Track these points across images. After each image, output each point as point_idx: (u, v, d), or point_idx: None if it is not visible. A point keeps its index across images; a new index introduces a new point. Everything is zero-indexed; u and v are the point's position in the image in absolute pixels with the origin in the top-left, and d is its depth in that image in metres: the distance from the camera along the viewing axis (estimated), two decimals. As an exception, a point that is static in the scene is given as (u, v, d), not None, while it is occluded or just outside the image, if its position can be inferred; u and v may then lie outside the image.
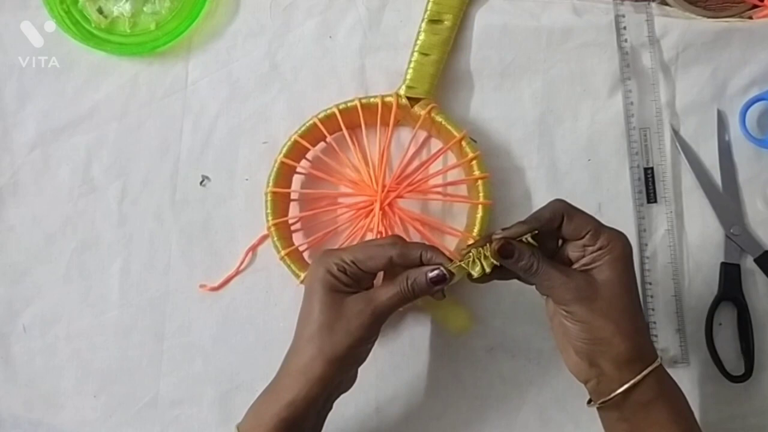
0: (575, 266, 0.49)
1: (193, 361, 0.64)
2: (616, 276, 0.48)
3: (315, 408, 0.49)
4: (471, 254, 0.49)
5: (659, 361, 0.49)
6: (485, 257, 0.48)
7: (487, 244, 0.49)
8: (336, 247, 0.61)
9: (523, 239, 0.48)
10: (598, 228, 0.48)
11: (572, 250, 0.50)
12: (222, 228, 0.65)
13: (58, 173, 0.66)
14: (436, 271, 0.49)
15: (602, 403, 0.49)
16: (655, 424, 0.48)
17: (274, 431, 0.48)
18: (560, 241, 0.51)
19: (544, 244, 0.50)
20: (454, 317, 0.61)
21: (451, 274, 0.49)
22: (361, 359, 0.51)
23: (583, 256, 0.49)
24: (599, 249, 0.48)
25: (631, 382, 0.47)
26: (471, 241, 0.59)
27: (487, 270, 0.48)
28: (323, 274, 0.49)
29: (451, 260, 0.49)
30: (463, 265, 0.49)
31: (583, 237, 0.48)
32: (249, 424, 0.50)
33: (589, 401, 0.51)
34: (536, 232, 0.49)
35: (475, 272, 0.49)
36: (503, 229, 0.49)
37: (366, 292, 0.50)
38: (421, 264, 0.50)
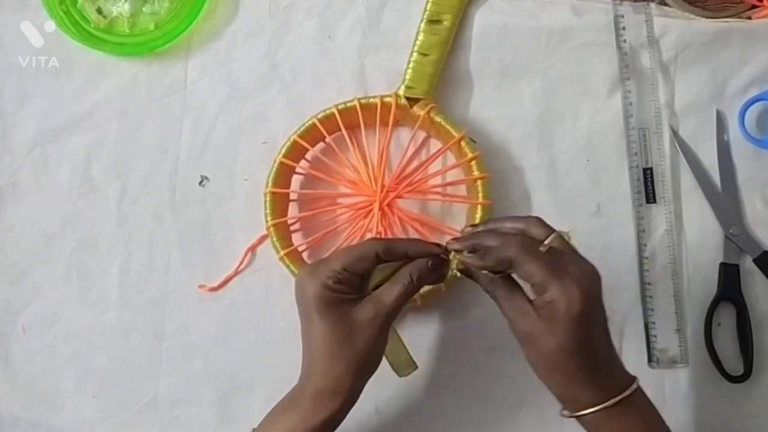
0: (535, 303, 0.47)
1: (193, 361, 0.64)
2: (560, 335, 0.46)
3: (337, 419, 0.50)
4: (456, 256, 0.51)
5: (609, 402, 0.47)
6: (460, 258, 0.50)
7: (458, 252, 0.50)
8: (335, 247, 0.61)
9: None
10: (543, 282, 0.46)
11: (529, 290, 0.48)
12: (221, 228, 0.65)
13: (57, 173, 0.66)
14: (438, 264, 0.50)
15: (562, 415, 0.50)
16: None
17: None
18: None
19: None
20: (397, 357, 0.58)
21: (447, 254, 0.51)
22: (379, 363, 0.51)
23: (536, 299, 0.47)
24: (546, 302, 0.46)
25: (571, 416, 0.48)
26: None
27: (453, 275, 0.51)
28: (319, 290, 0.48)
29: (437, 245, 0.51)
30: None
31: (532, 285, 0.47)
32: None
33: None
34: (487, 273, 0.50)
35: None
36: (470, 252, 0.49)
37: (370, 298, 0.49)
38: (407, 257, 0.50)
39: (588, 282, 0.46)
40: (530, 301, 0.48)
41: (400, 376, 0.56)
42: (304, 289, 0.49)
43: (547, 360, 0.47)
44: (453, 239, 0.50)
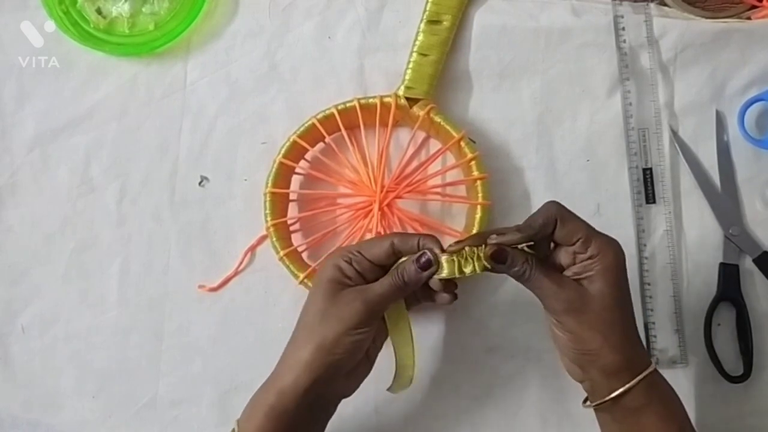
0: (567, 273, 0.49)
1: (192, 362, 0.64)
2: (606, 288, 0.47)
3: (305, 399, 0.49)
4: (464, 251, 0.49)
5: (651, 368, 0.49)
6: (478, 258, 0.49)
7: (482, 245, 0.49)
8: (335, 247, 0.61)
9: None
10: (589, 236, 0.48)
11: (564, 256, 0.49)
12: (221, 228, 0.65)
13: (57, 173, 0.66)
14: (424, 258, 0.49)
15: (595, 406, 0.50)
16: (646, 428, 0.49)
17: (264, 419, 0.49)
18: (553, 245, 0.51)
19: (537, 248, 0.50)
20: (404, 371, 0.56)
21: (437, 258, 0.49)
22: (353, 356, 0.50)
23: (574, 263, 0.49)
24: (590, 258, 0.48)
25: (619, 391, 0.48)
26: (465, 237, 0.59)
27: (479, 271, 0.49)
28: (331, 269, 0.50)
29: (444, 251, 0.50)
30: (454, 259, 0.49)
31: (574, 244, 0.48)
32: (245, 413, 0.50)
33: (585, 400, 0.52)
34: (531, 242, 0.49)
35: (467, 270, 0.49)
36: (498, 234, 0.49)
37: (363, 286, 0.50)
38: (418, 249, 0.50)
39: (610, 236, 0.49)
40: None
41: (391, 389, 0.56)
42: (321, 269, 0.51)
43: (603, 317, 0.47)
44: (497, 234, 0.49)
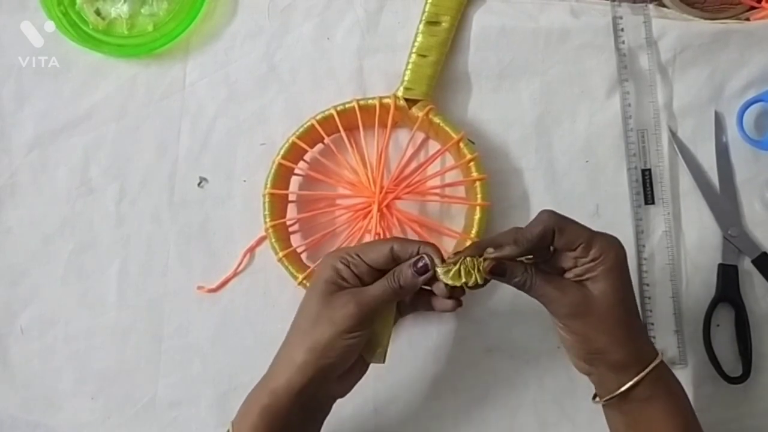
0: (568, 275, 0.49)
1: (192, 363, 0.64)
2: (609, 287, 0.48)
3: (298, 399, 0.49)
4: (466, 261, 0.48)
5: (659, 359, 0.49)
6: (478, 270, 0.48)
7: (481, 259, 0.48)
8: (334, 248, 0.61)
9: None
10: (589, 239, 0.48)
11: (565, 260, 0.49)
12: (220, 229, 0.65)
13: (56, 174, 0.66)
14: (421, 262, 0.49)
15: (605, 401, 0.50)
16: (652, 419, 0.49)
17: (257, 418, 0.49)
18: (552, 248, 0.51)
19: (536, 254, 0.50)
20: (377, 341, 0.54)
21: (433, 263, 0.49)
22: (345, 359, 0.50)
23: (576, 266, 0.49)
24: (592, 260, 0.48)
25: (628, 384, 0.48)
26: (468, 243, 0.59)
27: (480, 282, 0.48)
28: (328, 270, 0.50)
29: (444, 260, 0.49)
30: (454, 269, 0.48)
31: (575, 249, 0.48)
32: (239, 413, 0.51)
33: (594, 396, 0.52)
34: (530, 256, 0.49)
35: (470, 281, 0.48)
36: (495, 247, 0.48)
37: (358, 289, 0.50)
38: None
39: (609, 234, 0.49)
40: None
41: (366, 359, 0.54)
42: (319, 267, 0.51)
43: (605, 319, 0.48)
44: (494, 248, 0.49)
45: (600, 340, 0.48)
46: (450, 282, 0.49)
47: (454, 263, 0.49)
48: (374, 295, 0.49)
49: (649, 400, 0.49)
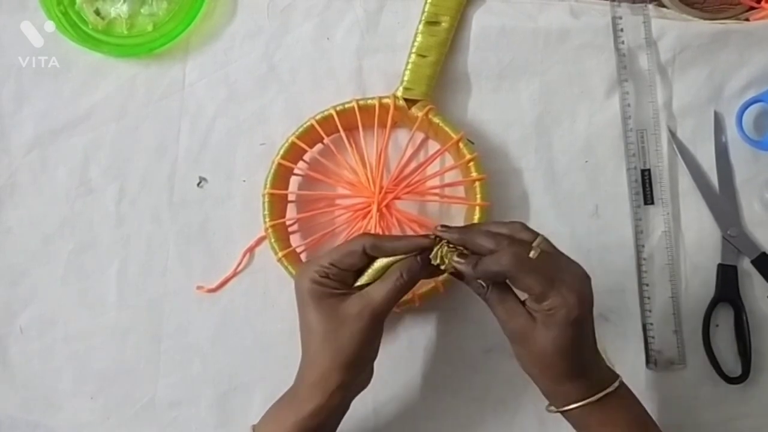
0: (527, 302, 0.48)
1: (191, 363, 0.64)
2: (551, 338, 0.47)
3: (336, 414, 0.51)
4: (443, 248, 0.49)
5: (595, 397, 0.48)
6: (450, 261, 0.49)
7: (453, 248, 0.49)
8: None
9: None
10: (544, 294, 0.46)
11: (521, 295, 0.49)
12: (219, 229, 0.65)
13: (55, 174, 0.66)
14: (424, 252, 0.50)
15: (550, 411, 0.51)
16: (605, 423, 0.49)
17: None
18: None
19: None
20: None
21: (438, 239, 0.50)
22: (373, 357, 0.52)
23: (531, 304, 0.48)
24: (546, 309, 0.47)
25: (564, 408, 0.49)
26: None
27: (445, 271, 0.50)
28: (309, 284, 0.50)
29: (425, 236, 0.50)
30: (435, 249, 0.50)
31: (530, 295, 0.48)
32: (268, 429, 0.50)
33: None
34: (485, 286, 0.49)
35: (442, 265, 0.50)
36: (460, 257, 0.48)
37: (360, 294, 0.50)
38: (395, 253, 0.50)
39: (582, 287, 0.48)
40: (522, 302, 0.49)
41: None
42: (298, 283, 0.51)
43: (540, 359, 0.48)
44: (442, 226, 0.50)
45: (532, 370, 0.50)
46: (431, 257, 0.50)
47: (437, 244, 0.50)
48: (384, 300, 0.49)
49: (593, 417, 0.49)
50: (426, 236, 0.51)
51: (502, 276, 0.48)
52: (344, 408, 0.52)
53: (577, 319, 0.46)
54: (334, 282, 0.50)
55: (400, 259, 0.50)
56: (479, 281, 0.49)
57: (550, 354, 0.47)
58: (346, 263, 0.50)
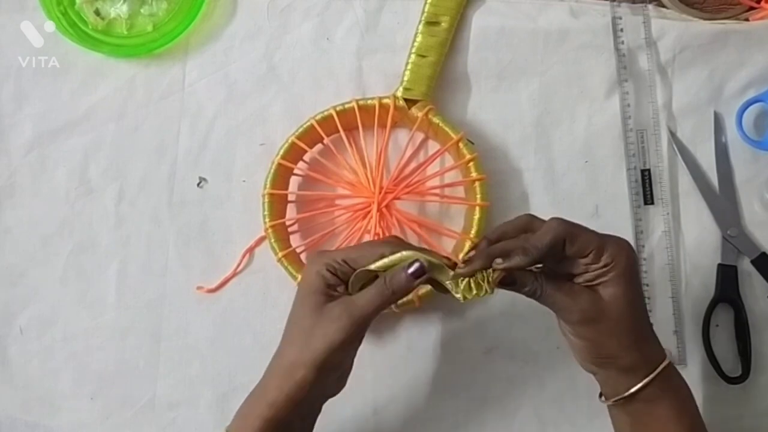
0: (578, 280, 0.49)
1: (191, 363, 0.64)
2: (621, 292, 0.47)
3: (299, 410, 0.49)
4: (476, 276, 0.47)
5: (666, 361, 0.49)
6: (488, 282, 0.47)
7: (489, 270, 0.47)
8: (333, 249, 0.61)
9: None
10: (600, 246, 0.47)
11: (574, 265, 0.48)
12: (219, 230, 0.65)
13: (54, 175, 0.66)
14: (415, 265, 0.47)
15: (612, 402, 0.50)
16: (659, 419, 0.49)
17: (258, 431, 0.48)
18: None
19: (545, 260, 0.49)
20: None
21: (431, 264, 0.47)
22: (343, 365, 0.50)
23: (587, 272, 0.48)
24: (603, 266, 0.47)
25: (636, 387, 0.48)
26: (467, 243, 0.59)
27: (490, 293, 0.47)
28: (314, 275, 0.49)
29: (451, 265, 0.48)
30: (464, 283, 0.47)
31: (585, 255, 0.47)
32: (236, 424, 0.50)
33: (600, 395, 0.52)
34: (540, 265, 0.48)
35: (481, 294, 0.47)
36: (503, 258, 0.47)
37: (346, 298, 0.48)
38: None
39: (616, 236, 0.48)
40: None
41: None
42: (305, 271, 0.50)
43: (617, 325, 0.47)
44: (463, 261, 0.47)
45: (611, 346, 0.48)
46: (461, 296, 0.47)
47: (463, 277, 0.47)
48: (366, 307, 0.48)
49: (656, 401, 0.49)
50: (448, 258, 0.49)
51: (559, 242, 0.47)
52: (310, 408, 0.50)
53: (635, 264, 0.48)
54: (338, 280, 0.49)
55: (409, 255, 0.48)
56: (533, 280, 0.47)
57: (626, 312, 0.47)
58: (360, 264, 0.48)
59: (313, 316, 0.48)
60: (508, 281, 0.48)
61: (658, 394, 0.49)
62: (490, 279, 0.47)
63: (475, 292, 0.47)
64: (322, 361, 0.47)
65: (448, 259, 0.49)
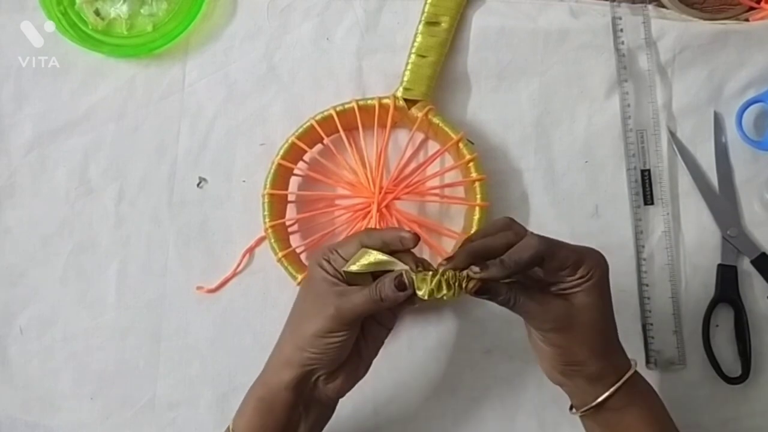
0: (552, 289, 0.49)
1: (191, 363, 0.64)
2: (593, 301, 0.48)
3: (290, 395, 0.49)
4: (447, 274, 0.46)
5: (632, 370, 0.50)
6: (459, 286, 0.46)
7: (463, 274, 0.46)
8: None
9: None
10: (579, 260, 0.47)
11: (549, 276, 0.49)
12: (219, 230, 0.65)
13: (55, 175, 0.66)
14: (399, 279, 0.47)
15: (582, 413, 0.51)
16: (629, 427, 0.50)
17: (252, 412, 0.50)
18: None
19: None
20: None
21: (411, 281, 0.47)
22: (330, 354, 0.48)
23: (562, 282, 0.48)
24: (579, 278, 0.48)
25: (604, 395, 0.49)
26: (460, 241, 0.59)
27: (455, 297, 0.46)
28: (314, 269, 0.50)
29: (425, 268, 0.47)
30: (434, 280, 0.46)
31: (564, 269, 0.48)
32: (238, 410, 0.52)
33: (571, 407, 0.53)
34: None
35: (446, 295, 0.46)
36: (481, 268, 0.46)
37: (343, 289, 0.48)
38: (391, 252, 0.48)
39: (594, 249, 0.49)
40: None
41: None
42: (309, 264, 0.52)
43: (587, 333, 0.48)
44: (447, 258, 0.47)
45: (581, 353, 0.49)
46: (425, 292, 0.46)
47: (433, 274, 0.46)
48: (355, 304, 0.48)
49: (625, 408, 0.50)
50: (408, 231, 0.49)
51: (538, 259, 0.47)
52: (306, 399, 0.50)
53: (607, 274, 0.49)
54: (334, 270, 0.49)
55: (387, 261, 0.47)
56: (507, 290, 0.47)
57: (598, 320, 0.48)
58: (347, 252, 0.49)
59: (308, 302, 0.50)
60: (483, 290, 0.47)
61: (626, 402, 0.50)
62: (463, 283, 0.47)
63: (444, 291, 0.46)
64: (305, 342, 0.48)
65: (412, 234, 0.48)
